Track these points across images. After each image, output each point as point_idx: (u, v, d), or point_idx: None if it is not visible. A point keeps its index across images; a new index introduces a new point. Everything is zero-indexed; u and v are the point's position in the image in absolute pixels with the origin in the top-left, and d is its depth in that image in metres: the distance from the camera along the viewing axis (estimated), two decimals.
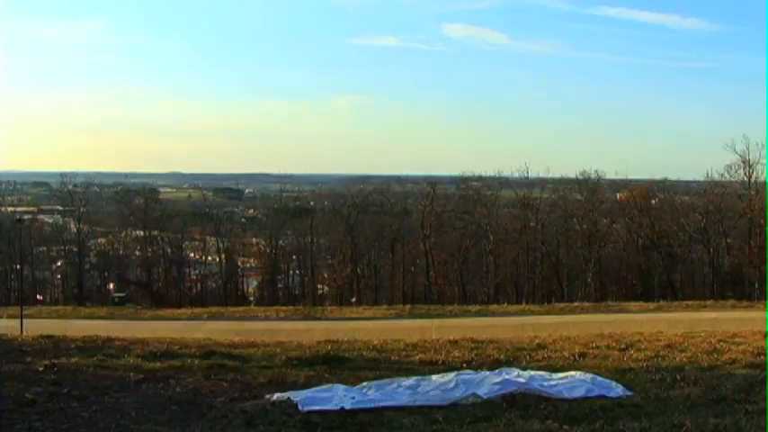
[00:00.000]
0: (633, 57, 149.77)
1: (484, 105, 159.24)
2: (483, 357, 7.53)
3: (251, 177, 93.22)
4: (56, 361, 6.94)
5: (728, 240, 45.92)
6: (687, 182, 54.25)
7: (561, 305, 31.18)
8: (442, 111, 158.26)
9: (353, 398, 5.30)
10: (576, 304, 30.69)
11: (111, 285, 51.37)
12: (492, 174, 51.51)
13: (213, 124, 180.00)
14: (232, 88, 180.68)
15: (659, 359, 7.26)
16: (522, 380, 5.71)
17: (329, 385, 5.78)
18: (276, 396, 5.43)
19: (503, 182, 51.49)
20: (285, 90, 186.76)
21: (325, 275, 52.76)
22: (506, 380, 5.60)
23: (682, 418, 4.31)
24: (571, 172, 53.80)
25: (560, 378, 5.82)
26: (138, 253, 52.40)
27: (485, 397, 5.18)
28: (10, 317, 24.39)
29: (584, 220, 48.48)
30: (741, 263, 43.95)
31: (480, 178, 52.24)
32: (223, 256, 51.08)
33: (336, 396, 5.36)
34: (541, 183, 51.42)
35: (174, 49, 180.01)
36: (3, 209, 56.51)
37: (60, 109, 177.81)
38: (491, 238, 48.64)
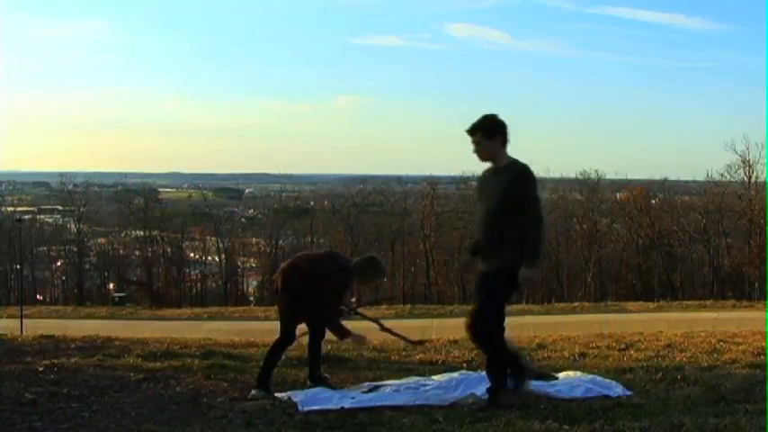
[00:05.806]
0: (636, 56, 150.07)
1: (485, 105, 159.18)
2: (483, 357, 7.51)
3: (251, 177, 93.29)
4: (56, 361, 6.93)
5: (728, 240, 45.92)
6: (687, 182, 54.25)
7: (561, 305, 31.22)
8: (443, 110, 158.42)
9: (353, 398, 5.31)
10: (575, 304, 30.73)
11: (111, 285, 51.41)
12: None
13: (213, 124, 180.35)
14: (232, 88, 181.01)
15: (659, 359, 7.25)
16: None
17: None
18: (276, 396, 5.44)
19: None
20: (285, 90, 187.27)
21: None
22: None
23: (682, 417, 4.31)
24: (571, 172, 53.85)
25: (560, 378, 5.83)
26: (138, 253, 52.42)
27: (484, 397, 5.18)
28: (10, 317, 24.41)
29: (584, 220, 48.50)
30: (741, 263, 43.94)
31: None
32: (223, 255, 51.09)
33: (336, 396, 5.37)
34: (541, 183, 51.25)
35: (174, 49, 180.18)
36: (3, 209, 56.50)
37: (60, 109, 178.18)
38: None
